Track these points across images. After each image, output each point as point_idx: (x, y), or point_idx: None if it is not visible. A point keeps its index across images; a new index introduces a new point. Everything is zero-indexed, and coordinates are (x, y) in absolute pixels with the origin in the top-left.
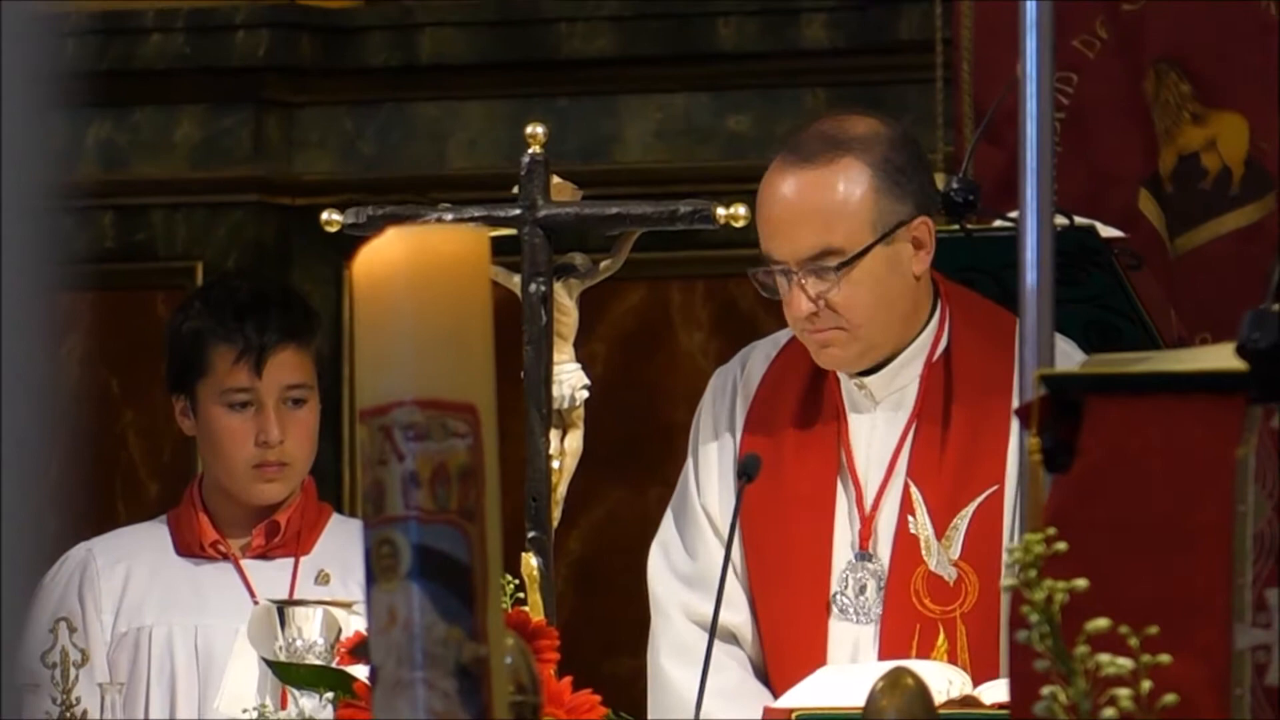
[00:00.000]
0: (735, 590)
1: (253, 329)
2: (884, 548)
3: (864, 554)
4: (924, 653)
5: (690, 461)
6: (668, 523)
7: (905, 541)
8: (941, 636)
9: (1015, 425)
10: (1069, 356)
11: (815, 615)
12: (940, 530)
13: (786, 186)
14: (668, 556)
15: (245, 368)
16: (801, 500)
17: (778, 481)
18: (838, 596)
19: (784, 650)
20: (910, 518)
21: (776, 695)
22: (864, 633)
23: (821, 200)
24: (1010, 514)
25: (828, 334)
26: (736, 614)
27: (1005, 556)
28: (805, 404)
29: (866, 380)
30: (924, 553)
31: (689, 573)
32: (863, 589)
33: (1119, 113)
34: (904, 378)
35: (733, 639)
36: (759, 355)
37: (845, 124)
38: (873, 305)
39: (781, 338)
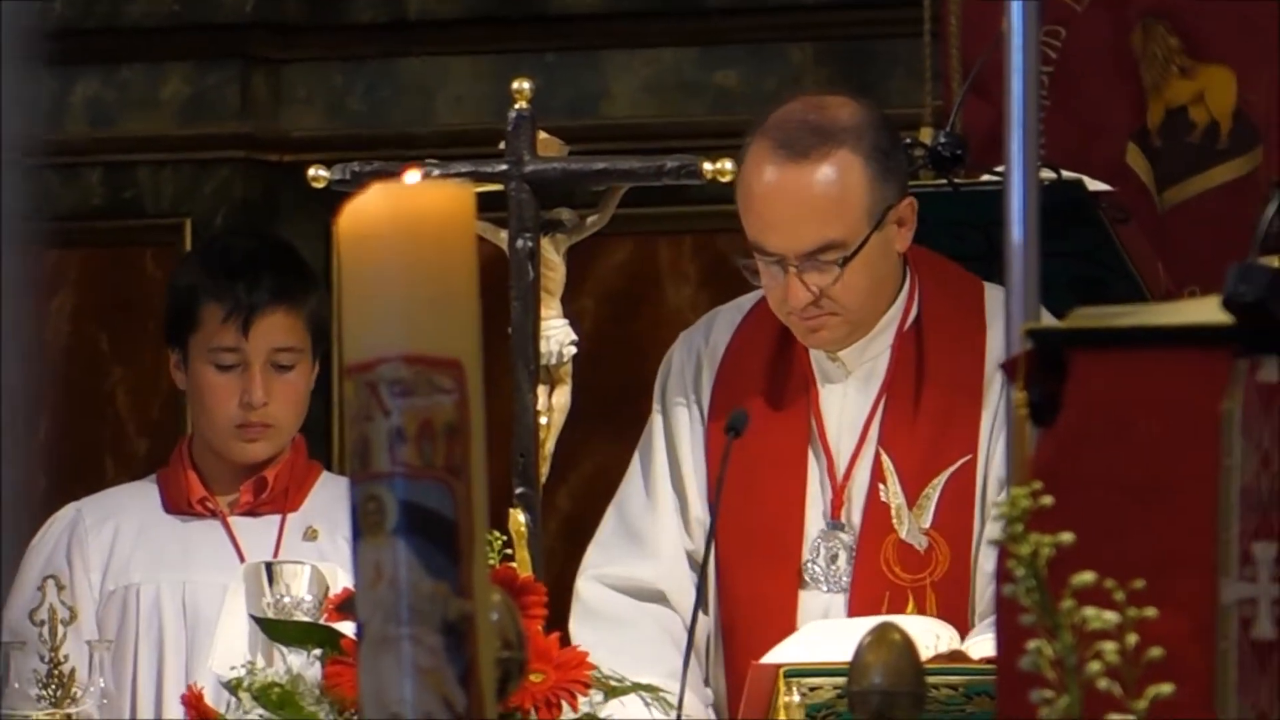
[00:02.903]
0: (672, 551)
1: (243, 289)
2: (855, 516)
3: (835, 523)
4: None
5: (655, 427)
6: (622, 485)
7: (876, 510)
8: (911, 605)
9: (988, 392)
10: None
11: (786, 584)
12: (912, 499)
13: (781, 182)
14: (613, 518)
15: (233, 327)
16: (772, 469)
17: (747, 450)
18: (808, 565)
19: (753, 618)
20: (881, 486)
21: (737, 663)
22: (834, 601)
23: (821, 197)
24: (981, 483)
25: (820, 319)
26: (668, 577)
27: (992, 511)
28: (773, 373)
29: (840, 352)
30: (895, 521)
31: (626, 532)
32: (834, 558)
33: (1106, 67)
34: (876, 347)
35: (661, 598)
36: (723, 322)
37: (829, 112)
38: (868, 290)
39: (745, 303)
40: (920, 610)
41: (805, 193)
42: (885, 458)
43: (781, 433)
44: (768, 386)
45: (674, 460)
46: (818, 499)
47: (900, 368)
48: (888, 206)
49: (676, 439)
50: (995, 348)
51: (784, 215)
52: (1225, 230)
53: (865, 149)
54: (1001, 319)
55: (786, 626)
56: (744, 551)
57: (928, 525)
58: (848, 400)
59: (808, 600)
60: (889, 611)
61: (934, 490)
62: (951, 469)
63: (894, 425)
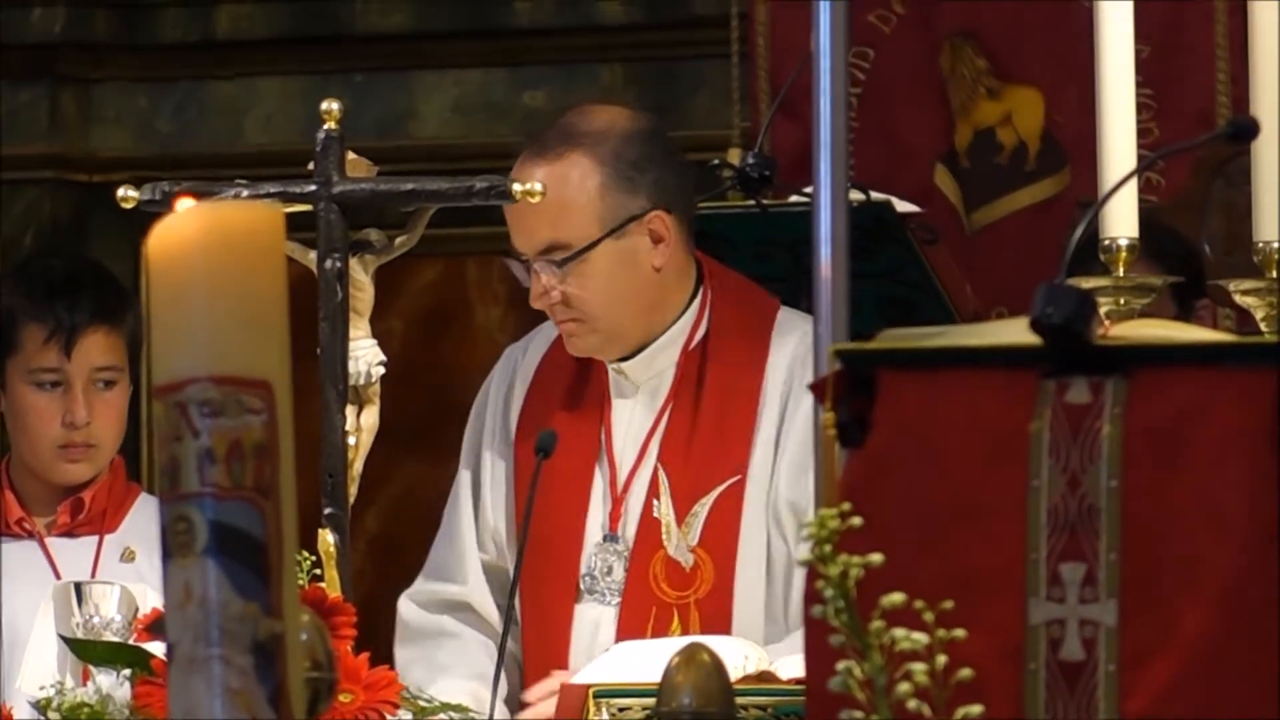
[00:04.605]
0: (475, 565)
1: (64, 309)
2: (630, 530)
3: (612, 535)
4: (659, 636)
5: (467, 444)
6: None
7: (648, 525)
8: (676, 621)
9: (764, 413)
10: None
11: (565, 595)
12: (681, 516)
13: (521, 179)
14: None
15: (55, 348)
16: (561, 482)
17: (546, 465)
18: (585, 577)
19: (538, 629)
20: (655, 501)
21: (530, 675)
22: (605, 613)
23: (549, 195)
24: (751, 503)
25: (566, 324)
26: (474, 591)
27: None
28: (575, 389)
29: (624, 366)
30: (664, 537)
31: (437, 550)
32: (610, 570)
33: (915, 88)
34: (662, 362)
35: (467, 609)
36: (541, 338)
37: (585, 117)
38: (605, 299)
39: None
40: (684, 628)
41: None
42: (662, 473)
43: (574, 447)
44: (568, 402)
45: (477, 478)
46: (599, 511)
47: (683, 385)
48: (630, 217)
49: (482, 456)
50: (777, 368)
51: (518, 213)
52: (1033, 251)
53: (604, 155)
54: (789, 341)
55: (563, 637)
56: (533, 563)
57: (694, 543)
58: (634, 415)
59: (583, 612)
60: (655, 627)
61: (701, 508)
62: (720, 488)
63: (672, 441)
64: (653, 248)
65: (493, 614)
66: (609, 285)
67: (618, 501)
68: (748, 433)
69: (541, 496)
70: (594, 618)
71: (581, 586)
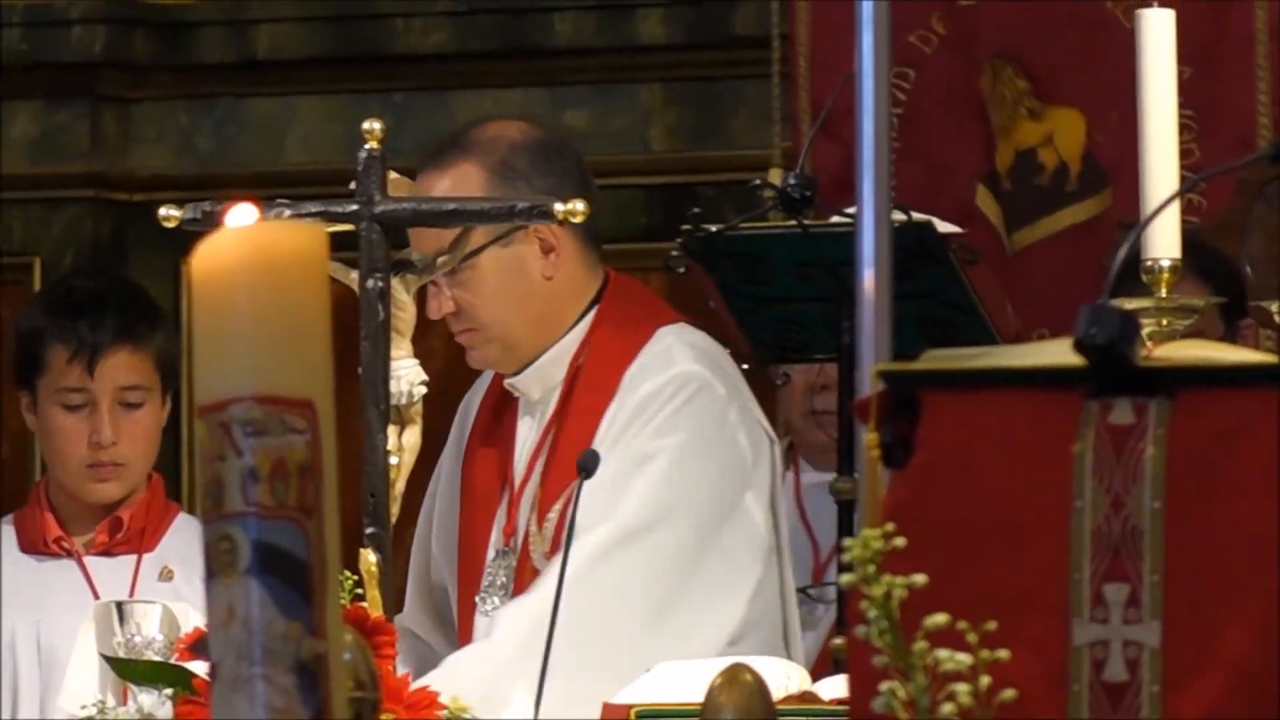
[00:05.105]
0: (410, 592)
1: (87, 328)
2: (518, 543)
3: (506, 549)
4: None
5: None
6: None
7: (528, 537)
8: None
9: (601, 426)
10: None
11: (467, 608)
12: (540, 526)
13: (419, 189)
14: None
15: (78, 367)
16: (479, 499)
17: (463, 486)
18: (485, 589)
19: (461, 640)
20: (534, 514)
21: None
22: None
23: None
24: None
25: (462, 335)
26: (407, 615)
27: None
28: (498, 410)
29: (516, 381)
30: (531, 547)
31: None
32: (505, 582)
33: (956, 109)
34: (554, 377)
35: (407, 633)
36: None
37: (479, 127)
38: (494, 306)
39: None
40: None
41: None
42: (539, 487)
43: (488, 467)
44: (491, 423)
45: (431, 500)
46: (500, 525)
47: (563, 400)
48: (516, 225)
49: (440, 478)
50: (626, 383)
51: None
52: (1074, 272)
53: (491, 163)
54: (648, 360)
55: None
56: (455, 577)
57: (546, 550)
58: (529, 431)
59: (479, 622)
60: None
61: (554, 515)
62: (564, 497)
63: (550, 456)
64: (542, 257)
65: (432, 634)
66: (497, 292)
67: (511, 517)
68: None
69: (464, 514)
70: (486, 628)
71: (477, 599)
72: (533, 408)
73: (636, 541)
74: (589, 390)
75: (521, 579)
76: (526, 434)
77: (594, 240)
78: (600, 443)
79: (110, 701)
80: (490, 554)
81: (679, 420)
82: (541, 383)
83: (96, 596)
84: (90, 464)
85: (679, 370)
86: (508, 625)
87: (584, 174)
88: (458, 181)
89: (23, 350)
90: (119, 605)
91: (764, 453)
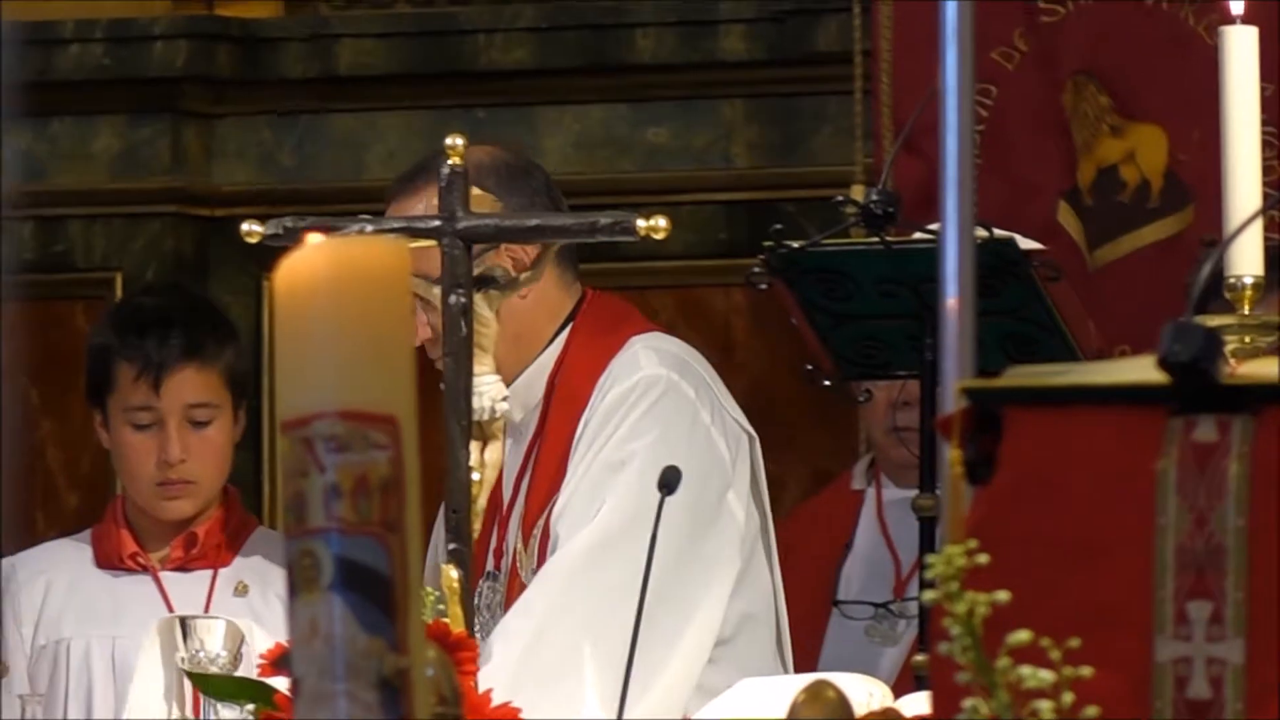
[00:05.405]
0: None
1: (153, 346)
2: (506, 564)
3: (495, 571)
4: None
5: None
6: None
7: (515, 556)
8: None
9: (576, 444)
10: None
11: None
12: (526, 545)
13: (390, 213)
14: None
15: (145, 385)
16: (484, 526)
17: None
18: (479, 612)
19: None
20: (519, 534)
21: None
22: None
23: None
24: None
25: (442, 360)
26: None
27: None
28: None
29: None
30: (519, 565)
31: None
32: (493, 603)
33: (1038, 125)
34: (533, 398)
35: None
36: None
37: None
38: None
39: None
40: None
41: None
42: (522, 507)
43: (494, 491)
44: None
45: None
46: (490, 549)
47: (542, 419)
48: (485, 248)
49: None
50: (597, 393)
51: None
52: (1156, 289)
53: None
54: (615, 368)
55: None
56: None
57: (534, 567)
58: (516, 452)
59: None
60: None
61: (536, 534)
62: (545, 513)
63: (533, 474)
64: (518, 276)
65: None
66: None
67: (500, 539)
68: (565, 462)
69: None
70: (483, 652)
71: (476, 621)
72: (516, 430)
73: (615, 548)
74: (564, 403)
75: (510, 600)
76: (511, 457)
77: (570, 259)
78: (574, 453)
79: (175, 713)
80: (482, 579)
81: (646, 423)
82: (523, 405)
83: (172, 611)
84: (160, 482)
85: (643, 374)
86: (501, 650)
87: (553, 193)
88: (430, 206)
89: (93, 368)
90: (182, 621)
91: (743, 450)
